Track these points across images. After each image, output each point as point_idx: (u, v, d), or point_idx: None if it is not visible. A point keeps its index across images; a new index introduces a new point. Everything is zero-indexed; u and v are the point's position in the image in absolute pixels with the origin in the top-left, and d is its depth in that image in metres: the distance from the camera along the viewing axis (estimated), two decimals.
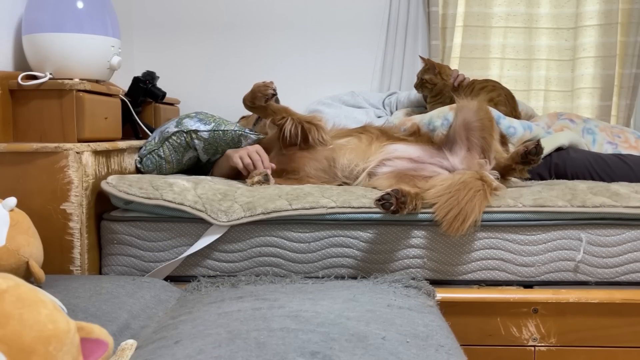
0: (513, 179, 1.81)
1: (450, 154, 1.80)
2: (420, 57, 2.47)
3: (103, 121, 1.74)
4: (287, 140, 1.87)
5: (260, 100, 1.84)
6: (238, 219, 1.54)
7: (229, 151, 1.91)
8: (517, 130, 2.07)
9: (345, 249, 1.58)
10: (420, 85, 2.37)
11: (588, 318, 1.50)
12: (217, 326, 1.05)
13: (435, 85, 2.34)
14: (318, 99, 2.59)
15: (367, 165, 1.81)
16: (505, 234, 1.58)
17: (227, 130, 1.90)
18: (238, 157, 1.84)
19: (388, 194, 1.50)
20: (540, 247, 1.57)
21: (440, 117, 2.07)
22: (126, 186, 1.59)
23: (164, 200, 1.57)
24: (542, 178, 2.01)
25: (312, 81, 2.84)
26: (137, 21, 2.84)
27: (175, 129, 1.90)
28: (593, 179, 1.92)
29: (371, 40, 2.81)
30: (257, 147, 1.87)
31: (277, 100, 2.23)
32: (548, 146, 2.01)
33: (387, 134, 1.94)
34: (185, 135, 1.90)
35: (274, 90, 1.85)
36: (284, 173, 1.89)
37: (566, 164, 1.99)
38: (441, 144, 1.85)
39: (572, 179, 1.95)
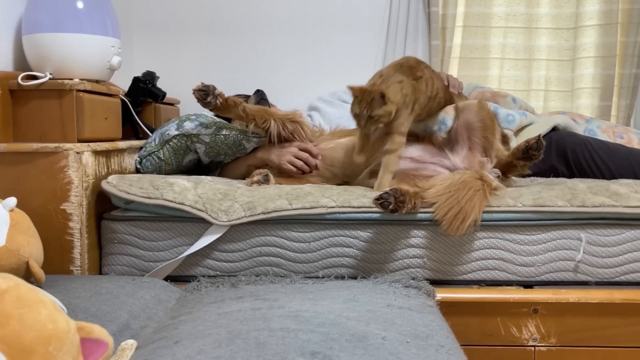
0: (514, 178, 1.81)
1: (451, 153, 1.80)
2: (350, 87, 1.63)
3: (103, 121, 1.74)
4: (276, 140, 1.88)
5: (209, 106, 1.80)
6: (238, 219, 1.54)
7: (272, 157, 1.90)
8: (515, 117, 2.08)
9: (346, 248, 1.58)
10: (371, 123, 1.64)
11: (588, 318, 1.50)
12: (217, 326, 1.05)
13: (390, 114, 1.62)
14: (318, 96, 2.58)
15: (368, 163, 1.81)
16: (505, 234, 1.58)
17: (229, 134, 1.89)
18: (287, 163, 1.85)
19: (387, 193, 1.50)
20: (540, 247, 1.57)
21: (436, 124, 2.03)
22: (126, 186, 1.59)
23: (165, 199, 1.57)
24: (544, 158, 2.00)
25: (312, 81, 2.84)
26: (137, 21, 2.84)
27: (176, 132, 1.89)
28: (592, 156, 1.93)
29: (371, 41, 2.81)
30: (298, 144, 1.87)
31: (263, 101, 2.19)
32: (544, 127, 2.04)
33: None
34: (185, 138, 1.89)
35: (203, 88, 1.78)
36: (285, 174, 1.89)
37: (566, 141, 2.00)
38: (442, 143, 1.86)
39: (572, 155, 1.96)
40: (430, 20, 2.72)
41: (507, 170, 1.74)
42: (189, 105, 2.74)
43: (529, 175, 1.87)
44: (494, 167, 1.74)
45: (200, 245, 1.56)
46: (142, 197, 1.58)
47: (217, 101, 1.79)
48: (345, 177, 1.85)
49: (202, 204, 1.57)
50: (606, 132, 2.19)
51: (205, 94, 1.78)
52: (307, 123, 1.94)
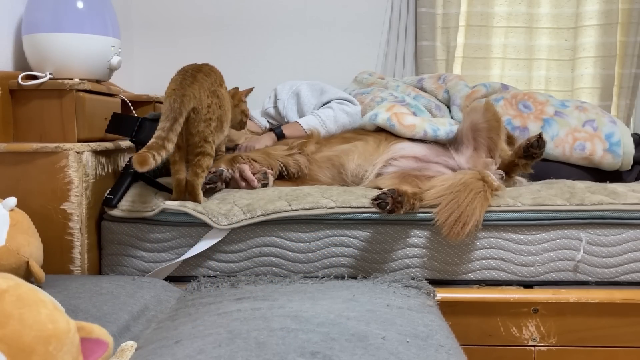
0: (518, 178, 1.80)
1: (456, 153, 1.80)
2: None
3: (103, 121, 1.73)
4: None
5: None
6: (238, 222, 1.54)
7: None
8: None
9: (345, 248, 1.58)
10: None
11: (588, 318, 1.51)
12: (217, 326, 1.05)
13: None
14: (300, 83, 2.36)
15: (374, 168, 1.81)
16: (505, 234, 1.58)
17: None
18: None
19: (384, 193, 1.49)
20: (540, 247, 1.57)
21: (445, 131, 2.00)
22: (128, 204, 1.59)
23: (166, 204, 1.57)
24: None
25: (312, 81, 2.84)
26: (137, 21, 2.84)
27: None
28: None
29: (372, 41, 2.80)
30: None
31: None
32: None
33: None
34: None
35: (209, 182, 1.67)
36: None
37: None
38: (448, 143, 1.86)
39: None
40: (417, 21, 2.72)
41: (510, 170, 1.74)
42: None
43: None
44: (498, 167, 1.74)
45: (199, 249, 1.56)
46: (145, 211, 1.58)
47: (227, 181, 1.76)
48: (353, 183, 1.82)
49: (202, 207, 1.57)
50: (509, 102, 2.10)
51: (213, 187, 1.69)
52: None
